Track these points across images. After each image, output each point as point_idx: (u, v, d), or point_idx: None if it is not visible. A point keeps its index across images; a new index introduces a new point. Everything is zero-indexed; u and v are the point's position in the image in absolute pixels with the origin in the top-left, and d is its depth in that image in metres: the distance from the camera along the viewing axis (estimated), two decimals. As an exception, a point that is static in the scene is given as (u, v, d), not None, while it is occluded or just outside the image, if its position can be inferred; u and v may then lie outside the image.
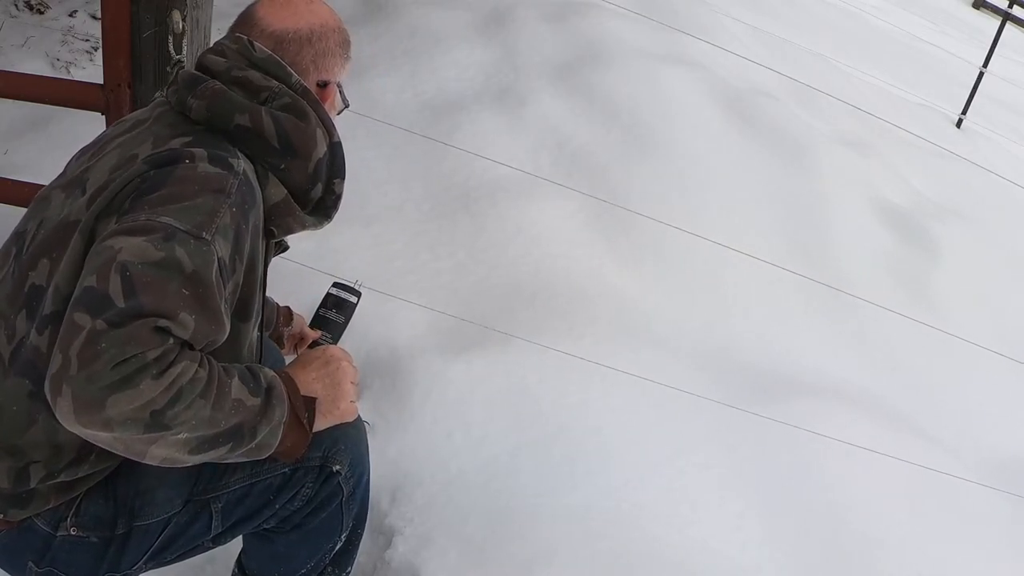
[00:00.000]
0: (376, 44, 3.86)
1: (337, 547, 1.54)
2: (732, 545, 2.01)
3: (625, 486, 2.05)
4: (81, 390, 1.01)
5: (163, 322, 1.06)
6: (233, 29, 1.40)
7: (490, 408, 2.17)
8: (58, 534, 1.27)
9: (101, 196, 1.20)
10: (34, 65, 3.40)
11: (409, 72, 3.69)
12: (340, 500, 1.45)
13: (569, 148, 3.30)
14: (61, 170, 1.40)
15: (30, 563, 1.29)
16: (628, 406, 2.26)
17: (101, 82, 2.08)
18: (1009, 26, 6.97)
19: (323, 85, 1.41)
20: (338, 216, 1.44)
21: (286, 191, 1.33)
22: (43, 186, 1.37)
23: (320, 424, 1.33)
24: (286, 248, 1.51)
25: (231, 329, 1.21)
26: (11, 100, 2.63)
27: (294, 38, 1.36)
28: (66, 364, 1.02)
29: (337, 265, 2.47)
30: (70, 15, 3.89)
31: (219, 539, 1.41)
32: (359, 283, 2.09)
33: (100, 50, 2.41)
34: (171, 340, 1.07)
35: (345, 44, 1.43)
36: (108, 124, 2.08)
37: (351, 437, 1.44)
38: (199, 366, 1.10)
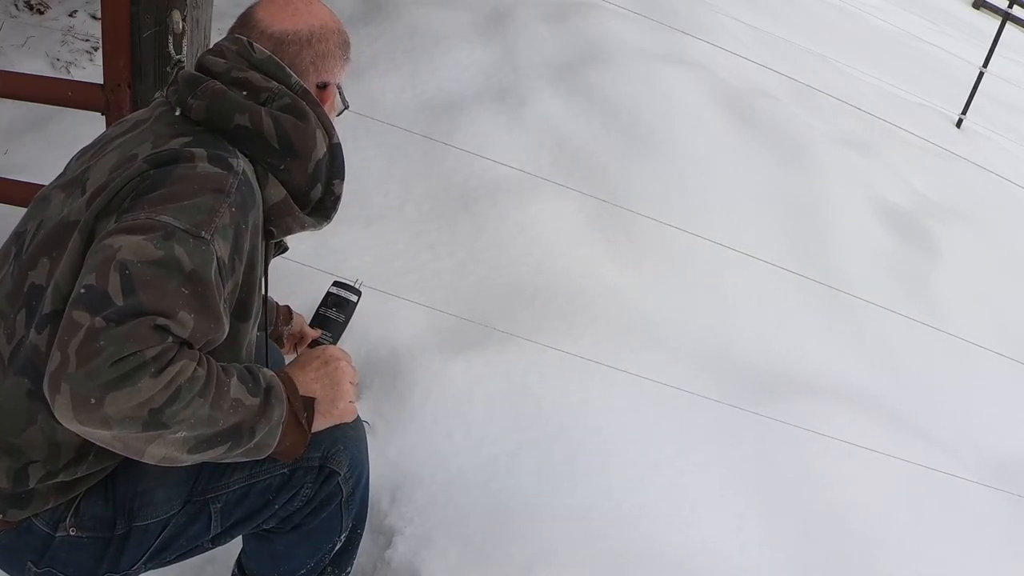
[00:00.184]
0: (376, 44, 3.86)
1: (337, 547, 1.54)
2: (732, 545, 2.01)
3: (625, 486, 2.05)
4: (80, 387, 1.01)
5: (162, 320, 1.06)
6: (233, 30, 1.40)
7: (490, 408, 2.17)
8: (57, 534, 1.27)
9: (101, 195, 1.20)
10: (34, 65, 3.40)
11: (409, 72, 3.69)
12: (340, 500, 1.45)
13: (569, 148, 3.30)
14: (61, 170, 1.40)
15: (29, 563, 1.29)
16: (628, 406, 2.26)
17: (101, 82, 2.08)
18: (1009, 26, 6.97)
19: (323, 86, 1.41)
20: (338, 216, 1.44)
21: (286, 192, 1.33)
22: (43, 186, 1.38)
23: (319, 424, 1.33)
24: (286, 249, 1.51)
25: (230, 329, 1.21)
26: (11, 100, 2.63)
27: (294, 40, 1.36)
28: (65, 362, 1.02)
29: (337, 265, 2.47)
30: (70, 15, 3.89)
31: (218, 539, 1.40)
32: (359, 282, 2.09)
33: (100, 50, 2.41)
34: (170, 338, 1.07)
35: (345, 46, 1.44)
36: (108, 124, 2.08)
37: (350, 437, 1.44)
38: (198, 365, 1.10)
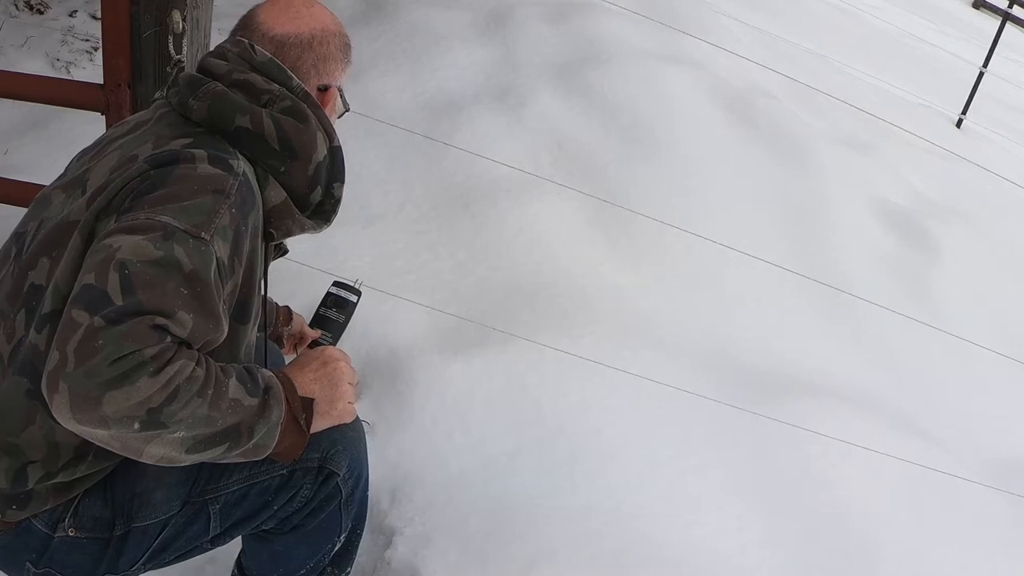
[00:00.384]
0: (376, 44, 3.86)
1: (336, 548, 1.54)
2: (732, 545, 2.01)
3: (625, 486, 2.05)
4: (78, 386, 1.01)
5: (161, 320, 1.06)
6: (234, 33, 1.40)
7: (490, 408, 2.17)
8: (56, 535, 1.27)
9: (101, 196, 1.20)
10: (34, 65, 3.40)
11: (409, 72, 3.69)
12: (339, 501, 1.45)
13: (569, 148, 3.30)
14: (61, 170, 1.40)
15: (28, 564, 1.29)
16: (628, 406, 2.26)
17: (101, 82, 2.08)
18: (1009, 26, 6.97)
19: (324, 89, 1.41)
20: (338, 216, 1.44)
21: (286, 194, 1.33)
22: (43, 186, 1.38)
23: (318, 425, 1.33)
24: (286, 251, 1.51)
25: (230, 330, 1.21)
26: (11, 100, 2.63)
27: (295, 42, 1.36)
28: (63, 361, 1.02)
29: (337, 265, 2.47)
30: (70, 15, 3.89)
31: (218, 540, 1.40)
32: (359, 282, 2.09)
33: (100, 50, 2.41)
34: (169, 338, 1.07)
35: (346, 48, 1.44)
36: (108, 124, 2.08)
37: (350, 438, 1.43)
38: (196, 365, 1.10)
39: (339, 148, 1.41)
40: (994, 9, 11.53)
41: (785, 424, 2.31)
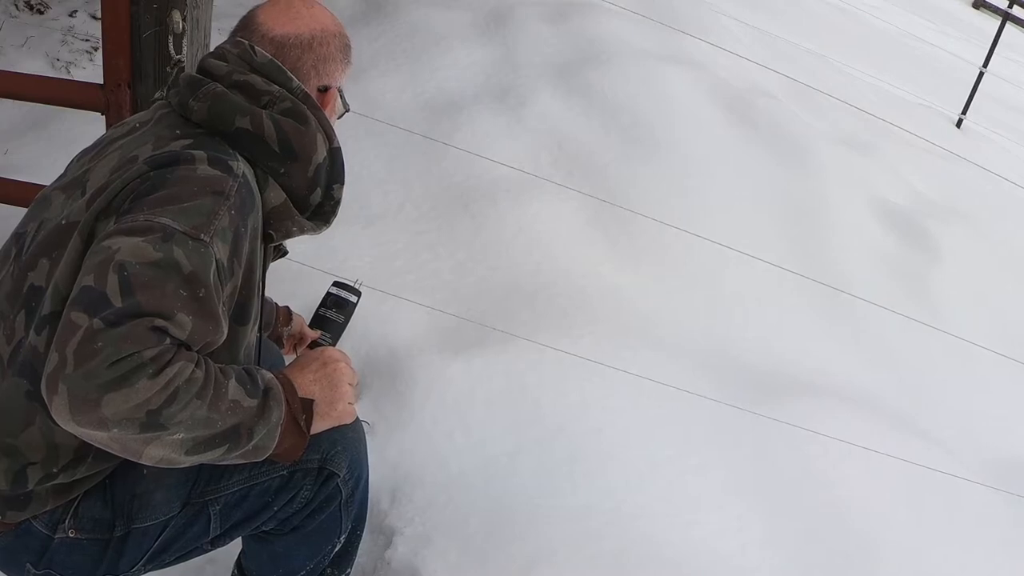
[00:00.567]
0: (376, 44, 3.86)
1: (336, 548, 1.54)
2: (733, 545, 2.01)
3: (625, 486, 2.05)
4: (77, 388, 1.01)
5: (160, 322, 1.06)
6: (234, 33, 1.40)
7: (490, 408, 2.17)
8: (56, 536, 1.27)
9: (101, 197, 1.20)
10: (34, 65, 3.40)
11: (409, 72, 3.69)
12: (339, 502, 1.45)
13: (569, 148, 3.30)
14: (61, 170, 1.40)
15: (28, 565, 1.29)
16: (628, 406, 2.26)
17: (101, 82, 2.08)
18: (1009, 26, 6.97)
19: (324, 90, 1.41)
20: (338, 216, 1.44)
21: (285, 195, 1.33)
22: (43, 186, 1.38)
23: (318, 426, 1.33)
24: (285, 253, 1.51)
25: (229, 332, 1.21)
26: (11, 100, 2.63)
27: (295, 43, 1.36)
28: (62, 362, 1.02)
29: (337, 265, 2.47)
30: (70, 15, 3.89)
31: (218, 541, 1.40)
32: (359, 282, 2.09)
33: (100, 50, 2.41)
34: (168, 340, 1.07)
35: (346, 49, 1.44)
36: (108, 124, 2.08)
37: (350, 439, 1.43)
38: (196, 366, 1.09)
39: (339, 149, 1.41)
40: (994, 9, 11.53)
41: (785, 424, 2.31)
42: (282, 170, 1.31)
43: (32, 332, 1.19)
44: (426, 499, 1.94)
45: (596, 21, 4.15)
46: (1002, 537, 2.36)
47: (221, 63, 1.34)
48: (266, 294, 1.56)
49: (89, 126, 2.16)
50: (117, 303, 1.05)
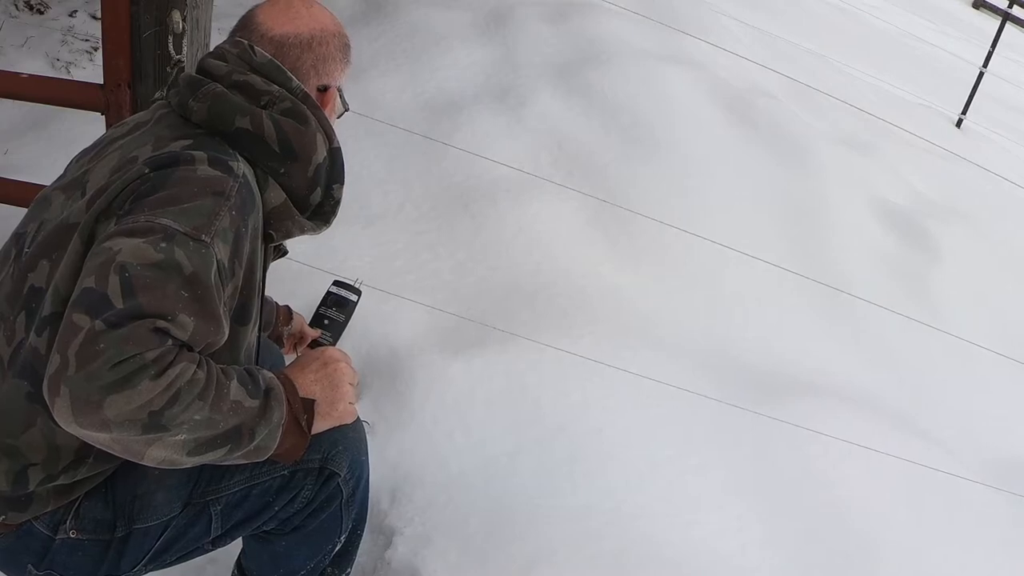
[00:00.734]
0: (376, 44, 3.86)
1: (337, 548, 1.54)
2: (733, 545, 2.01)
3: (625, 486, 2.05)
4: (79, 390, 1.01)
5: (162, 323, 1.06)
6: (234, 33, 1.40)
7: (490, 408, 2.17)
8: (57, 537, 1.27)
9: (101, 198, 1.20)
10: (34, 65, 3.40)
11: (409, 72, 3.69)
12: (340, 502, 1.45)
13: (569, 148, 3.30)
14: (61, 170, 1.40)
15: (29, 566, 1.29)
16: (628, 406, 2.26)
17: (101, 82, 2.08)
18: (1009, 26, 6.96)
19: (323, 90, 1.41)
20: (338, 216, 1.44)
21: (285, 195, 1.33)
22: (43, 186, 1.38)
23: (319, 426, 1.32)
24: (285, 253, 1.51)
25: (230, 332, 1.21)
26: (11, 100, 2.63)
27: (295, 43, 1.36)
28: (64, 364, 1.02)
29: (337, 265, 2.47)
30: (70, 15, 3.89)
31: (219, 541, 1.40)
32: (359, 282, 2.09)
33: (100, 50, 2.41)
34: (170, 341, 1.07)
35: (345, 49, 1.44)
36: (108, 124, 2.08)
37: (350, 439, 1.43)
38: (197, 367, 1.09)
39: (339, 149, 1.41)
40: (994, 9, 11.52)
41: (785, 424, 2.31)
42: (282, 170, 1.31)
43: (33, 334, 1.19)
44: (426, 499, 1.94)
45: (596, 21, 4.15)
46: (1002, 537, 2.36)
47: (221, 63, 1.34)
48: (266, 294, 1.56)
49: (89, 126, 2.16)
50: (118, 304, 1.04)
